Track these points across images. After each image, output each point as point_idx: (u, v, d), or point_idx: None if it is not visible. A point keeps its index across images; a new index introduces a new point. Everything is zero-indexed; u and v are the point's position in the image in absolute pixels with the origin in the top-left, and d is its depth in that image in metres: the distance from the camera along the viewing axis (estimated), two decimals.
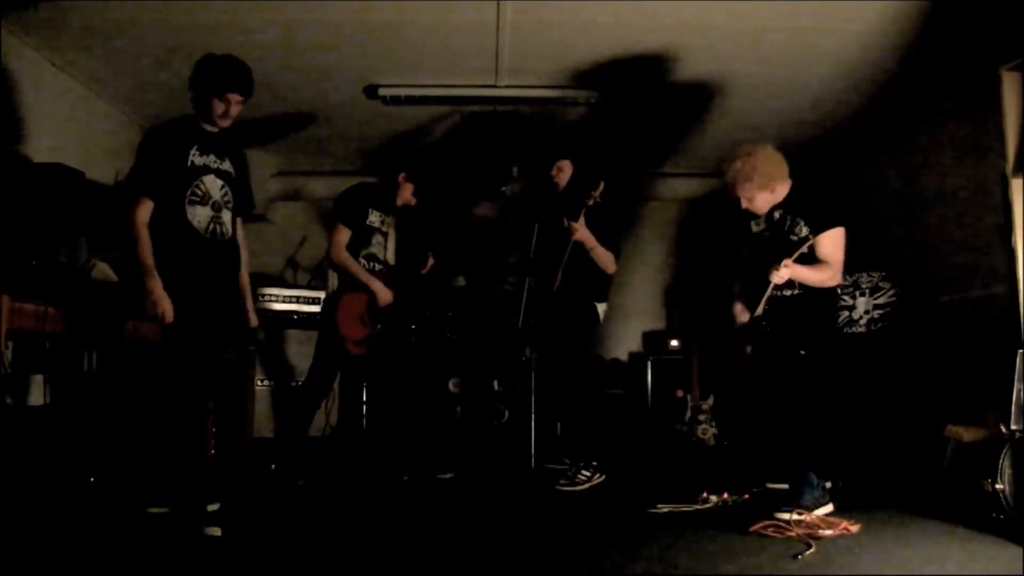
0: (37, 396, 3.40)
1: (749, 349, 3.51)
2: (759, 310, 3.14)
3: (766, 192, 3.17)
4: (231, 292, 3.09)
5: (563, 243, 3.93)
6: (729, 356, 4.68)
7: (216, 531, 2.67)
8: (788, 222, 3.16)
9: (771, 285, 3.07)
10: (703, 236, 5.87)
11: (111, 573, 2.41)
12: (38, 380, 3.39)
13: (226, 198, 3.02)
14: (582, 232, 3.88)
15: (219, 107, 2.89)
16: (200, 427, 3.06)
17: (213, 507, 2.97)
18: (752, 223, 3.32)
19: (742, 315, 3.36)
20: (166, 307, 2.77)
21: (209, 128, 2.97)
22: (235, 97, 2.90)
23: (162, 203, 2.86)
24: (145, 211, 2.83)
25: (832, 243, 3.11)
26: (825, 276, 3.10)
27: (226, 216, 3.02)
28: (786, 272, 3.02)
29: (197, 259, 2.90)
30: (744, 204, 3.24)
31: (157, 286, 2.77)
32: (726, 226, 3.84)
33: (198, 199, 2.91)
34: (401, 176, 4.11)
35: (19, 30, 3.56)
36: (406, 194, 4.13)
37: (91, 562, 2.47)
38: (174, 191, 2.87)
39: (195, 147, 2.92)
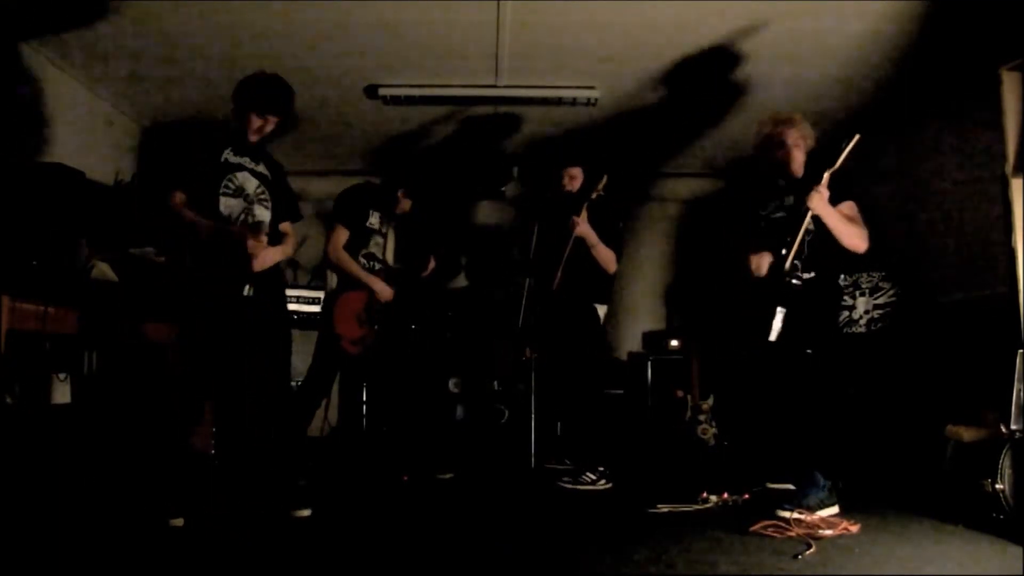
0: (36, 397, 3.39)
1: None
2: (788, 263, 3.10)
3: (805, 152, 3.21)
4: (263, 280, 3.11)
5: (564, 241, 3.91)
6: (729, 356, 4.69)
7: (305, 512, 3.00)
8: (801, 204, 3.11)
9: (803, 225, 3.04)
10: (703, 236, 5.87)
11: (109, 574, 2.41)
12: (37, 380, 3.38)
13: (262, 195, 3.13)
14: (583, 227, 3.84)
15: (256, 122, 3.05)
16: (188, 429, 3.11)
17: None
18: (760, 210, 3.31)
19: (762, 262, 3.24)
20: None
21: (243, 137, 3.10)
22: (273, 118, 3.08)
23: (196, 196, 2.99)
24: (179, 198, 2.96)
25: (851, 209, 3.10)
26: (854, 229, 3.05)
27: (260, 211, 3.12)
28: (825, 193, 2.98)
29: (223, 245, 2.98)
30: (787, 159, 3.22)
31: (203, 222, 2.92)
32: (736, 213, 3.78)
33: (230, 192, 3.05)
34: (400, 193, 4.10)
35: (20, 31, 3.56)
36: (405, 207, 4.14)
37: (90, 564, 2.47)
38: (208, 184, 3.00)
39: (230, 148, 3.08)
